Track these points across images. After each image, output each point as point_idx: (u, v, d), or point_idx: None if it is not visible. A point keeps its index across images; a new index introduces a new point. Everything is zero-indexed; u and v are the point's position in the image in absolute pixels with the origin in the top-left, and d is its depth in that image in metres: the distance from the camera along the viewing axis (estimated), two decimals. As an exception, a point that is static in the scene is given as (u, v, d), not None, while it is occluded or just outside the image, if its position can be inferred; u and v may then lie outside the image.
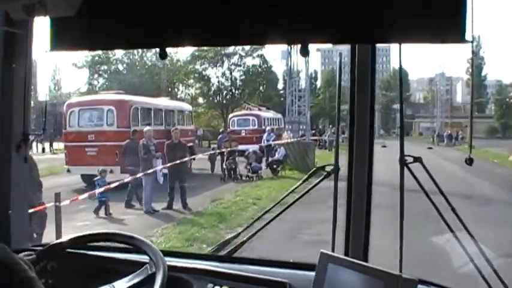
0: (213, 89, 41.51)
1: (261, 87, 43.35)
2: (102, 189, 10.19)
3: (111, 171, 11.74)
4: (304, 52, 1.61)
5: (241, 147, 17.85)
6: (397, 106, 47.48)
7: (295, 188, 2.01)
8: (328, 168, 1.90)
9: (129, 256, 1.91)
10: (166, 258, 1.69)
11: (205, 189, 13.94)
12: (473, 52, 1.78)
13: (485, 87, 51.05)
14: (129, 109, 15.62)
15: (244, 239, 1.99)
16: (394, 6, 1.49)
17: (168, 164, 11.48)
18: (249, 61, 42.58)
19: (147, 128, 12.44)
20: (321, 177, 2.00)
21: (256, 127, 24.79)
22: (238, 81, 42.33)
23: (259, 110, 29.19)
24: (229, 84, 41.65)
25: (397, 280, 1.56)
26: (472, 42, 1.73)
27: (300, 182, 2.02)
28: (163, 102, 19.60)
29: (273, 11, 1.55)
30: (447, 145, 36.00)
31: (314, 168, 1.94)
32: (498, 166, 19.95)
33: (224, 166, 16.42)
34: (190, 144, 18.17)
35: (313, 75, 55.33)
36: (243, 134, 24.42)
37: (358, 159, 1.87)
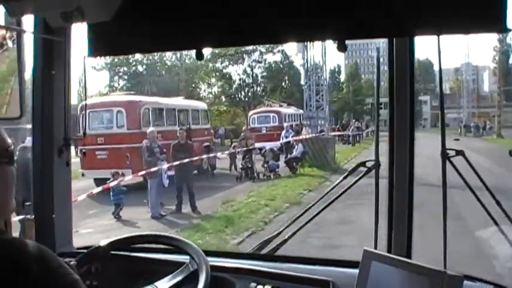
0: (234, 86, 41.55)
1: (283, 83, 43.22)
2: (84, 197, 9.36)
3: (123, 174, 11.15)
4: (342, 48, 1.59)
5: (258, 144, 17.37)
6: (422, 98, 46.81)
7: (337, 183, 1.98)
8: (368, 164, 1.88)
9: (169, 256, 1.93)
10: (208, 258, 1.70)
11: (221, 189, 13.52)
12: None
13: (513, 74, 49.68)
14: (140, 110, 15.07)
15: (286, 237, 1.98)
16: None
17: (167, 165, 11.13)
18: (270, 57, 42.55)
19: (150, 129, 11.84)
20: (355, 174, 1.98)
21: (276, 124, 24.25)
22: (259, 78, 42.33)
23: (280, 106, 28.96)
24: (251, 81, 41.65)
25: (442, 277, 1.53)
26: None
27: (341, 178, 1.99)
28: (177, 101, 19.05)
29: (310, 7, 1.54)
30: (474, 136, 35.24)
31: (355, 165, 1.90)
32: (529, 157, 19.29)
33: (240, 165, 15.87)
34: (207, 144, 17.80)
35: (336, 69, 54.99)
36: (264, 131, 24.02)
37: (399, 154, 1.83)
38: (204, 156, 16.20)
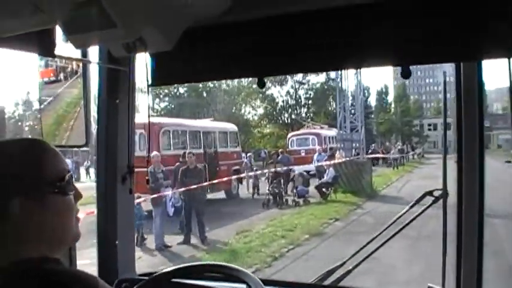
0: (277, 108, 41.55)
1: (327, 105, 42.90)
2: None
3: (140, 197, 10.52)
4: (406, 74, 1.55)
5: (296, 168, 16.84)
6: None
7: (400, 216, 1.89)
8: (436, 193, 1.79)
9: (228, 285, 1.91)
10: None
11: (244, 216, 12.68)
12: None
13: None
14: (158, 133, 14.53)
15: (350, 267, 1.91)
16: (500, 20, 1.40)
17: (171, 192, 10.63)
18: (313, 78, 42.46)
19: (154, 153, 11.27)
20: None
21: (316, 146, 23.10)
22: (303, 99, 42.18)
23: (321, 128, 28.54)
24: (294, 103, 41.56)
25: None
26: None
27: (406, 208, 1.90)
28: (203, 123, 18.59)
29: (374, 34, 1.51)
30: (529, 157, 33.44)
31: (422, 194, 1.82)
32: None
33: (267, 191, 14.98)
34: (237, 167, 17.45)
35: (384, 90, 54.21)
36: (303, 154, 23.52)
37: (468, 183, 1.73)
38: (233, 177, 15.84)
